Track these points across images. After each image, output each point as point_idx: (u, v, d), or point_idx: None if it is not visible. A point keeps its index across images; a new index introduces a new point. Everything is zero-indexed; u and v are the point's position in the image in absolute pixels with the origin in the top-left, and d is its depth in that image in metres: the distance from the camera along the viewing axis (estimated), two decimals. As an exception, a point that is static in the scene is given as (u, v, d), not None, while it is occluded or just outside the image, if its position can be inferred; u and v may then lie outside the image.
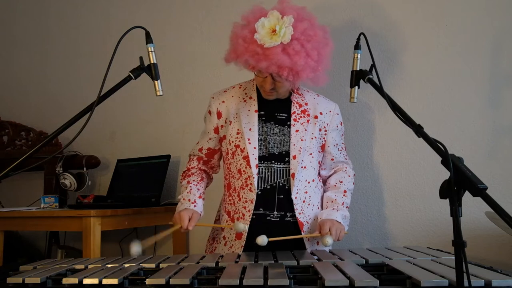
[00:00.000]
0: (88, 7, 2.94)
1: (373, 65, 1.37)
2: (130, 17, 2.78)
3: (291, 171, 1.62)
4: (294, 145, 1.64)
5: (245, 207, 1.63)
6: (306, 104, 1.70)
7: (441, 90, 2.03)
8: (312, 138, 1.67)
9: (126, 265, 1.28)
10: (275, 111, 1.67)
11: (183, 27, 2.63)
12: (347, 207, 1.69)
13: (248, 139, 1.63)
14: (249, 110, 1.67)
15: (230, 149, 1.67)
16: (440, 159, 1.02)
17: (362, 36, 1.44)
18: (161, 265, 1.26)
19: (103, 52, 2.79)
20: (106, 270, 1.21)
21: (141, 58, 1.44)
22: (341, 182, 1.73)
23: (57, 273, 1.20)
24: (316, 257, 1.33)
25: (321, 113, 1.70)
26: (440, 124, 2.01)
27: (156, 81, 1.45)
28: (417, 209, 2.05)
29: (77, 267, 1.28)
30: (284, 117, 1.67)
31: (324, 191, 1.76)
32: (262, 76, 1.56)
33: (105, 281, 1.09)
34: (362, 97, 2.06)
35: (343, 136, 1.79)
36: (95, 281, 1.10)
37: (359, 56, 1.47)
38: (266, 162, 1.63)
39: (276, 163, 1.63)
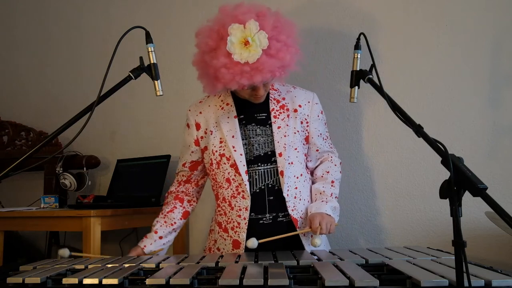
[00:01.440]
0: (88, 7, 2.94)
1: (373, 65, 1.37)
2: (130, 17, 2.78)
3: (279, 169, 1.60)
4: (278, 142, 1.61)
5: (239, 216, 1.60)
6: (283, 98, 1.68)
7: (441, 90, 2.03)
8: (294, 133, 1.64)
9: (126, 265, 1.28)
10: (254, 112, 1.65)
11: (183, 27, 2.63)
12: (336, 197, 1.67)
13: (233, 147, 1.60)
14: (228, 117, 1.64)
15: (215, 159, 1.64)
16: (440, 159, 1.02)
17: (362, 36, 1.44)
18: (161, 265, 1.26)
19: (103, 52, 2.79)
20: (106, 270, 1.21)
21: (141, 58, 1.44)
22: (328, 172, 1.71)
23: (57, 273, 1.20)
24: (316, 257, 1.33)
25: (300, 106, 1.67)
26: (440, 124, 2.01)
27: (156, 81, 1.45)
28: (417, 209, 2.05)
29: (77, 267, 1.28)
30: (264, 117, 1.65)
31: (312, 183, 1.74)
32: (251, 87, 1.52)
33: (105, 281, 1.09)
34: (362, 97, 2.06)
35: (326, 124, 1.77)
36: (95, 281, 1.10)
37: (359, 56, 1.47)
38: (252, 166, 1.60)
39: (262, 165, 1.61)
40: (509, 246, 1.89)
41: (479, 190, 0.93)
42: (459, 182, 0.95)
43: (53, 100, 3.03)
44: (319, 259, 1.30)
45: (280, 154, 1.60)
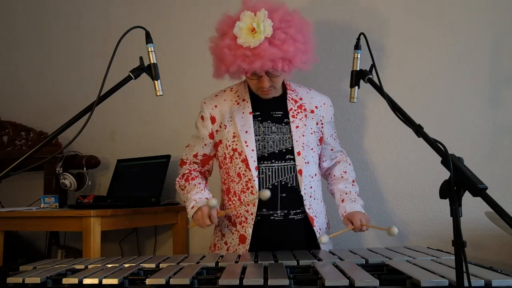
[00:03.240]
0: (88, 7, 2.94)
1: (373, 65, 1.37)
2: (130, 17, 2.78)
3: (298, 168, 1.62)
4: (296, 141, 1.64)
5: (247, 211, 1.61)
6: (301, 99, 1.71)
7: (441, 90, 2.03)
8: (311, 133, 1.68)
9: (126, 265, 1.28)
10: (270, 110, 1.67)
11: (183, 27, 2.63)
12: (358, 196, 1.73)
13: (245, 142, 1.61)
14: (243, 113, 1.65)
15: (228, 153, 1.65)
16: (440, 159, 1.02)
17: (362, 36, 1.44)
18: (161, 265, 1.26)
19: (103, 52, 2.79)
20: (106, 270, 1.21)
21: (141, 58, 1.44)
22: (346, 172, 1.76)
23: (57, 273, 1.20)
24: (316, 257, 1.33)
25: (316, 107, 1.71)
26: (440, 124, 2.01)
27: (156, 81, 1.45)
28: (417, 209, 2.05)
29: (77, 267, 1.28)
30: (280, 115, 1.67)
31: (329, 183, 1.79)
32: (257, 77, 1.56)
33: (105, 281, 1.09)
34: (362, 97, 2.06)
35: (334, 126, 1.82)
36: (95, 281, 1.10)
37: (359, 56, 1.47)
38: (266, 162, 1.62)
39: (276, 161, 1.62)
40: (509, 246, 1.89)
41: (479, 190, 0.93)
42: (459, 182, 0.95)
43: (53, 100, 3.03)
44: (319, 259, 1.30)
45: (299, 153, 1.63)
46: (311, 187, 1.66)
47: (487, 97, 1.96)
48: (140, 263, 1.30)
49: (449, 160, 0.97)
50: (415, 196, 2.05)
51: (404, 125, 1.20)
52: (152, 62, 1.44)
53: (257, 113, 1.66)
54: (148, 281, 1.07)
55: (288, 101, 1.69)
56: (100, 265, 1.30)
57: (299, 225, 1.64)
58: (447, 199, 0.95)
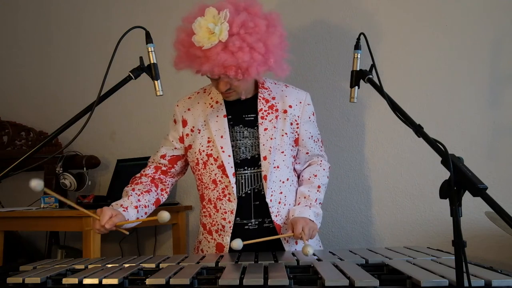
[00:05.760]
0: (88, 7, 2.94)
1: (373, 65, 1.37)
2: (131, 17, 2.78)
3: (263, 173, 1.54)
4: (263, 145, 1.54)
5: (224, 219, 1.54)
6: (273, 98, 1.60)
7: (441, 90, 2.03)
8: (282, 135, 1.57)
9: (126, 265, 1.28)
10: (242, 113, 1.58)
11: (183, 27, 2.63)
12: (320, 203, 1.61)
13: (221, 147, 1.53)
14: (217, 116, 1.57)
15: (201, 159, 1.57)
16: (440, 159, 1.02)
17: (362, 36, 1.44)
18: (161, 265, 1.26)
19: (103, 52, 2.79)
20: (106, 270, 1.21)
21: (141, 58, 1.44)
22: (315, 176, 1.62)
23: (57, 273, 1.20)
24: (316, 257, 1.33)
25: (290, 106, 1.59)
26: (440, 124, 2.01)
27: (156, 81, 1.45)
28: (417, 209, 2.05)
29: (77, 267, 1.28)
30: (252, 118, 1.58)
31: (299, 185, 1.66)
32: (214, 78, 1.47)
33: (105, 281, 1.09)
34: (362, 97, 2.06)
35: (317, 126, 1.69)
36: (95, 281, 1.10)
37: (359, 56, 1.47)
38: (239, 170, 1.54)
39: (249, 168, 1.55)
40: (509, 246, 1.89)
41: (479, 190, 0.92)
42: (459, 182, 0.95)
43: (53, 100, 3.03)
44: (319, 259, 1.30)
45: (265, 158, 1.54)
46: (280, 193, 1.56)
47: (487, 97, 1.96)
48: (140, 263, 1.30)
49: (449, 160, 0.97)
50: (415, 196, 2.05)
51: (404, 125, 1.20)
52: (152, 62, 1.45)
53: (229, 116, 1.58)
54: (148, 281, 1.07)
55: (258, 100, 1.58)
56: (100, 265, 1.30)
57: (273, 234, 1.53)
58: (447, 199, 0.95)
